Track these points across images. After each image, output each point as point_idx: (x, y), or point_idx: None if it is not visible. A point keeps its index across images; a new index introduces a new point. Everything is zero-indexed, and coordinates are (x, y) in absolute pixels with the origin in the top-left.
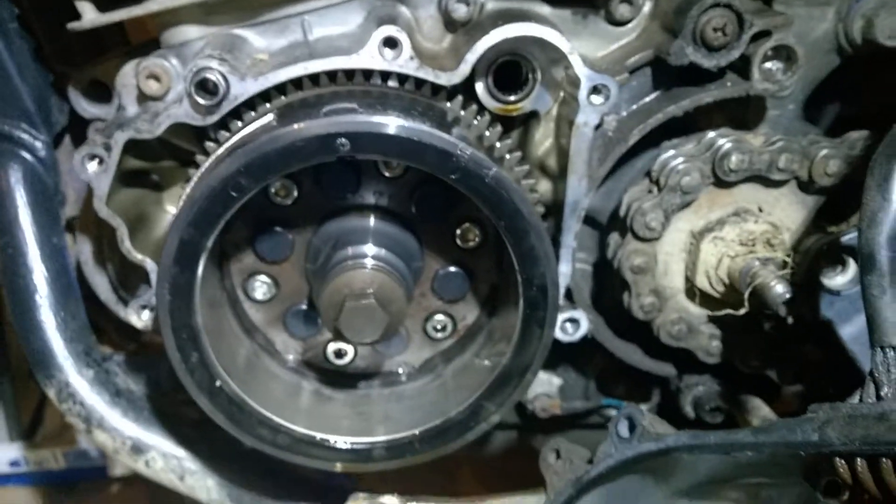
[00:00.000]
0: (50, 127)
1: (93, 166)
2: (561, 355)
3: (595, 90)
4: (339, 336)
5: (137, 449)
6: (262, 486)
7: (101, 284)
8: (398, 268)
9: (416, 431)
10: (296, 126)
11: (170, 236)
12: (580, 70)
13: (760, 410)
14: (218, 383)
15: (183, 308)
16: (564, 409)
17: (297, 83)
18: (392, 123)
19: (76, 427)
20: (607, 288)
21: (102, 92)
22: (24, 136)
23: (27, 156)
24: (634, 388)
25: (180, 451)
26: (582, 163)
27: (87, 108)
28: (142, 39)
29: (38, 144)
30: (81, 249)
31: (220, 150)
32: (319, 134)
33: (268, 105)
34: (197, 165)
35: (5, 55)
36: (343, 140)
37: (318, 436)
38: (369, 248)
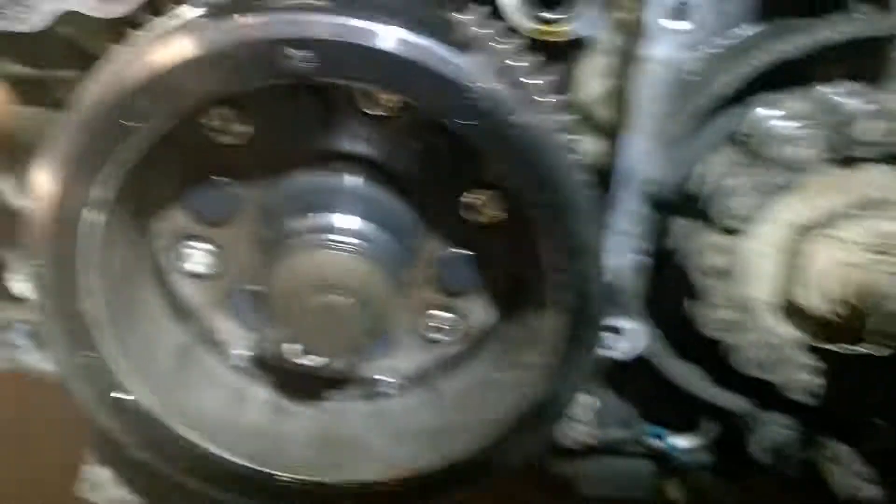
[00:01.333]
0: None
1: None
2: (597, 372)
3: (676, 11)
4: (298, 343)
5: None
6: None
7: None
8: (386, 248)
9: (403, 475)
10: (224, 25)
11: (41, 175)
12: None
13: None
14: (130, 396)
15: (66, 287)
16: (600, 439)
17: None
18: (376, 32)
19: None
20: (666, 291)
21: None
22: None
23: None
24: (686, 416)
25: None
26: (647, 115)
27: None
28: None
29: None
30: None
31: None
32: (260, 39)
33: None
34: None
35: None
36: (294, 51)
37: (266, 470)
38: (344, 219)
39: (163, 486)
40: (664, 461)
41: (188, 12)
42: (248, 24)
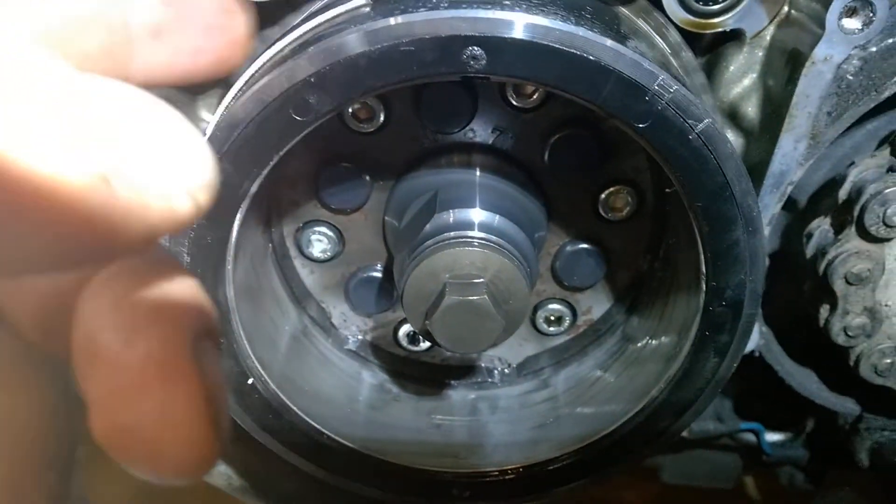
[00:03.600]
0: None
1: None
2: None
3: (851, 11)
4: (430, 340)
5: None
6: None
7: None
8: (520, 245)
9: (511, 467)
10: (402, 19)
11: None
12: None
13: None
14: (250, 381)
15: (209, 276)
16: (694, 432)
17: None
18: (557, 29)
19: None
20: (785, 290)
21: None
22: None
23: None
24: (780, 412)
25: None
26: (807, 116)
27: None
28: None
29: None
30: None
31: (282, 43)
32: (439, 35)
33: None
34: None
35: None
36: (476, 51)
37: (375, 456)
38: (478, 213)
39: (269, 467)
40: (751, 455)
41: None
42: (419, 22)
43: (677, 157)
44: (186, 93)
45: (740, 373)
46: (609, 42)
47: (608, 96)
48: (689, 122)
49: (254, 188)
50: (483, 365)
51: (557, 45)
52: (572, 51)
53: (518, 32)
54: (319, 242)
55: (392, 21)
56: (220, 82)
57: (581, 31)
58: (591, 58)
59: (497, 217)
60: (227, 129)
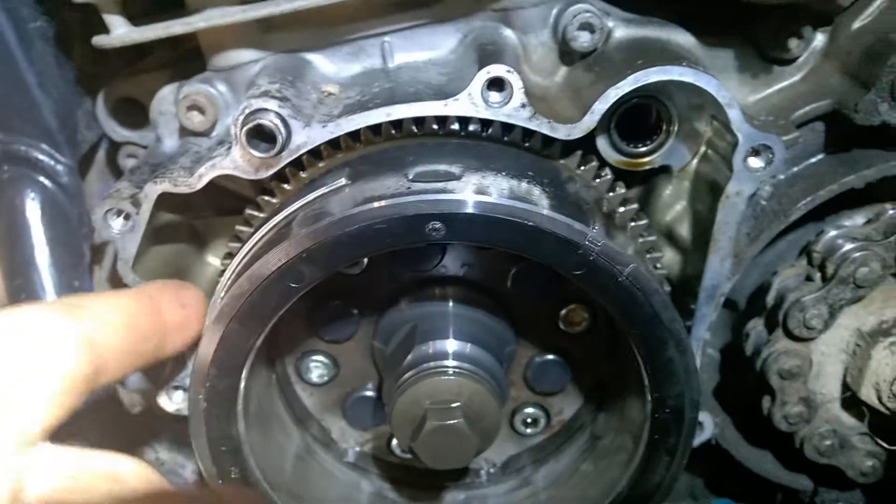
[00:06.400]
0: (74, 147)
1: (118, 224)
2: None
3: (754, 152)
4: (415, 458)
5: None
6: None
7: None
8: (490, 369)
9: None
10: (375, 205)
11: (208, 331)
12: (738, 126)
13: None
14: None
15: (222, 416)
16: None
17: (375, 127)
18: (501, 204)
19: None
20: (736, 381)
21: (137, 111)
22: (44, 159)
23: (46, 182)
24: (751, 489)
25: None
26: (728, 239)
27: (117, 130)
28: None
29: (60, 168)
30: None
31: (278, 218)
32: (406, 215)
33: (339, 156)
34: (246, 220)
35: (24, 63)
36: (437, 224)
37: None
38: (452, 343)
39: None
40: None
41: (331, 182)
42: (387, 206)
43: (610, 295)
44: (193, 244)
45: (709, 454)
46: (545, 211)
47: (547, 252)
48: (618, 267)
49: (259, 342)
50: (471, 466)
51: (502, 216)
52: (514, 219)
53: (470, 209)
54: (317, 368)
55: (366, 207)
56: None
57: (519, 204)
58: (529, 224)
59: (469, 345)
60: (235, 298)
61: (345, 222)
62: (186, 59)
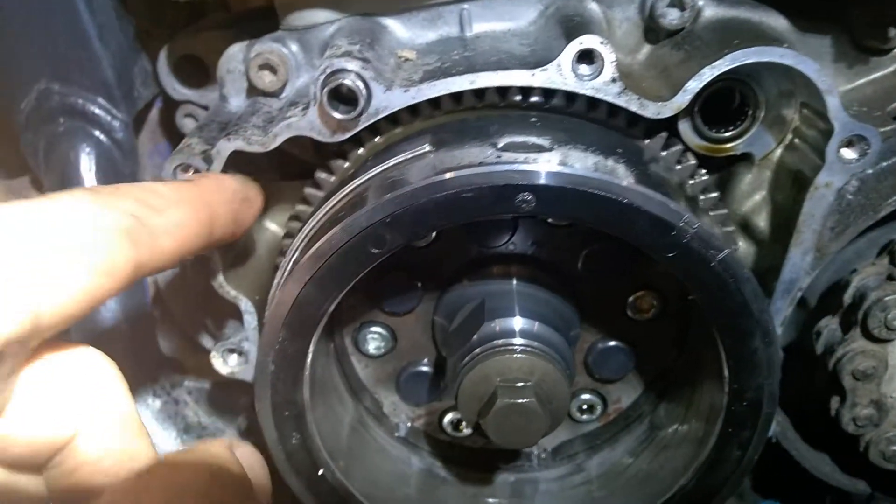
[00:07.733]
0: (131, 103)
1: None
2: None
3: (849, 142)
4: (481, 435)
5: None
6: None
7: (181, 309)
8: (559, 348)
9: None
10: (465, 172)
11: (281, 292)
12: (836, 114)
13: None
14: (320, 471)
15: (288, 381)
16: None
17: (455, 95)
18: (595, 178)
19: None
20: (799, 379)
21: (198, 70)
22: (100, 113)
23: (102, 137)
24: (798, 489)
25: None
26: (812, 233)
27: (177, 88)
28: (248, 6)
29: (116, 123)
30: None
31: (357, 183)
32: (496, 185)
33: (416, 123)
34: (315, 184)
35: (85, 14)
36: (527, 196)
37: None
38: (519, 321)
39: None
40: None
41: (412, 148)
42: (477, 174)
43: (701, 281)
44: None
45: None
46: (640, 187)
47: (639, 232)
48: (711, 251)
49: (332, 308)
50: (521, 449)
51: (596, 191)
52: (609, 195)
53: (563, 182)
54: (374, 340)
55: (456, 174)
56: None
57: (614, 180)
58: (624, 201)
59: (536, 324)
60: (314, 259)
61: (432, 188)
62: (252, 17)
